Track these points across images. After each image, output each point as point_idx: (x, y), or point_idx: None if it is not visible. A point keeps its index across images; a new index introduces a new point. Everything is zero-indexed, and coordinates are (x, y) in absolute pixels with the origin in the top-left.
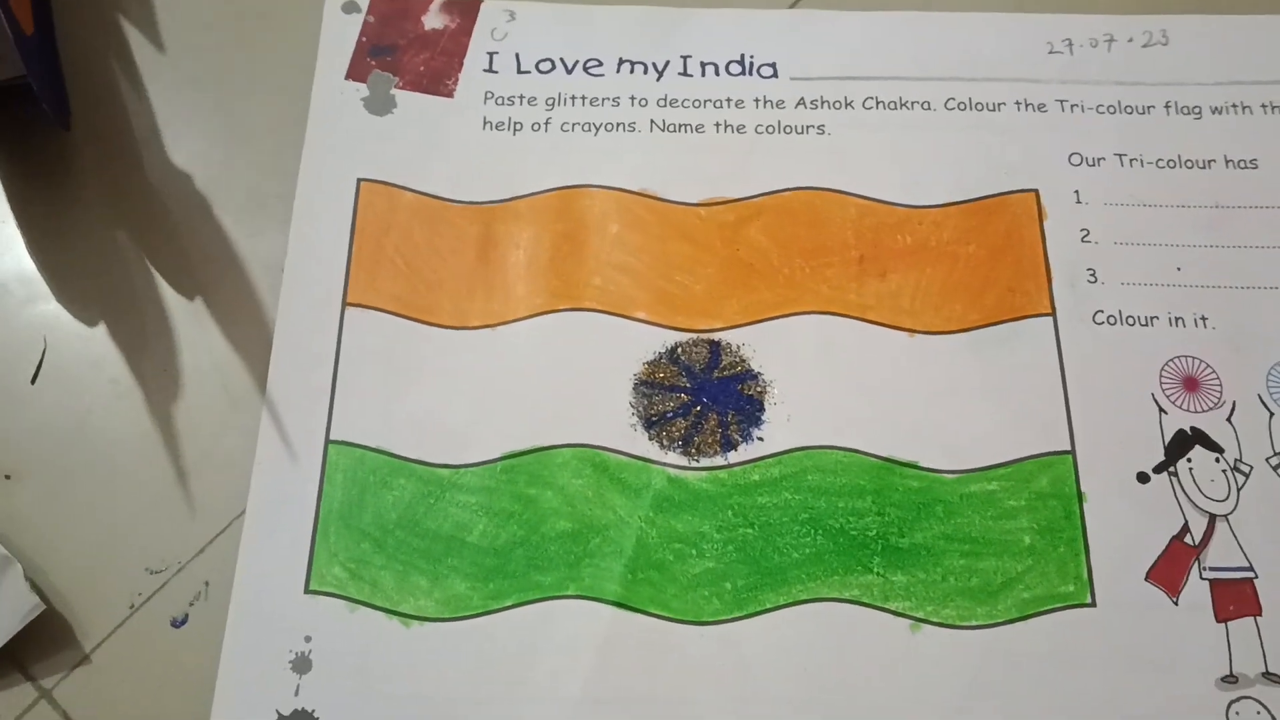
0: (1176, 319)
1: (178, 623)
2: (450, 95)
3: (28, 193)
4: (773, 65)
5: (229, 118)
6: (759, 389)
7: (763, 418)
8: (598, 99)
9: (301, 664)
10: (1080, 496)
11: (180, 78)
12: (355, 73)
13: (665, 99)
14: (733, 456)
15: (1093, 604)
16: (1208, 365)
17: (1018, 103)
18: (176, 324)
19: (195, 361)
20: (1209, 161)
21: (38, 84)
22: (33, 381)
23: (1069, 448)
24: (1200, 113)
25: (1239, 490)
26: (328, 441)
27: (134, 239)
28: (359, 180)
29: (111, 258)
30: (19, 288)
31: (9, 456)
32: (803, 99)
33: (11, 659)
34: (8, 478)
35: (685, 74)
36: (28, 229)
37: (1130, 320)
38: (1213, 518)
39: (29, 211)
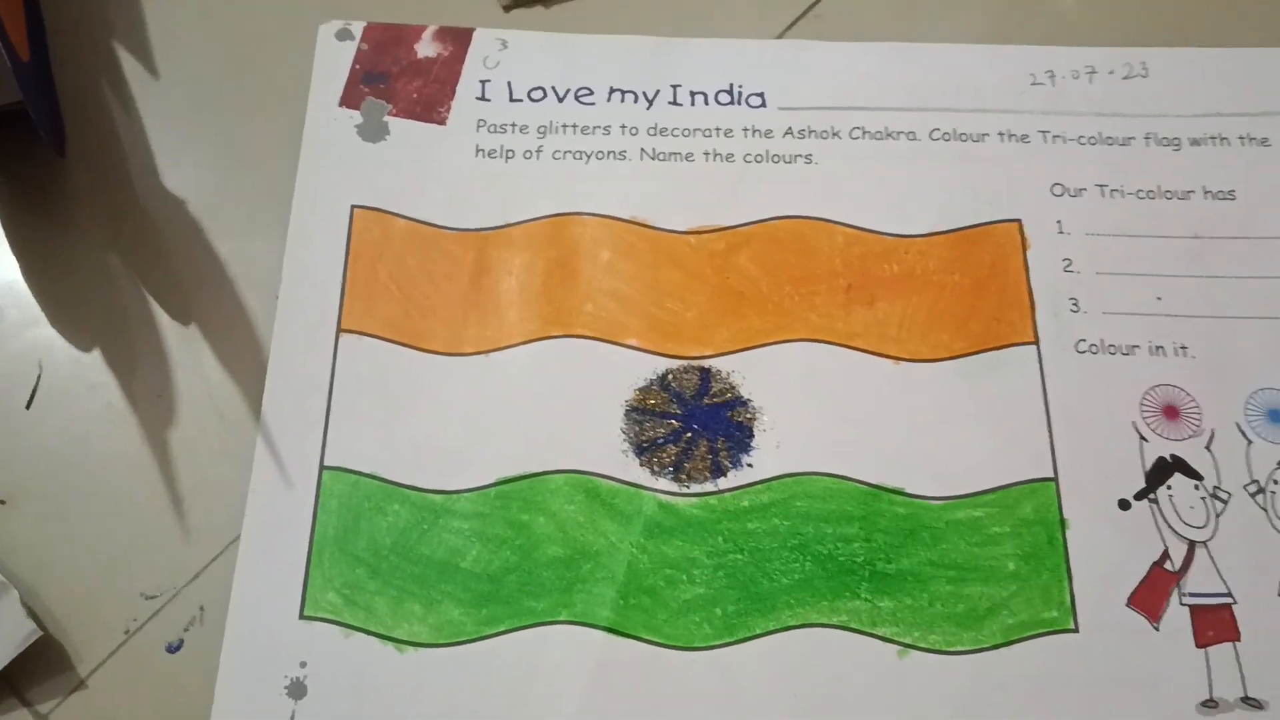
0: (1157, 348)
1: (173, 648)
2: (443, 123)
3: (23, 218)
4: (761, 95)
5: (223, 143)
6: (748, 415)
7: (752, 444)
8: (589, 127)
9: (297, 689)
10: (1063, 523)
11: (174, 104)
12: (349, 100)
13: (655, 128)
14: (723, 483)
15: (1076, 630)
16: (1187, 394)
17: (1001, 133)
18: (171, 349)
19: (190, 387)
20: (1188, 192)
21: (35, 110)
22: (28, 406)
23: (1052, 475)
24: (1179, 144)
25: (1218, 517)
26: (322, 467)
27: (128, 264)
28: (353, 207)
29: (106, 283)
30: (14, 312)
31: (4, 482)
32: (790, 128)
33: (7, 685)
34: (3, 503)
35: (675, 103)
36: (23, 254)
37: (1112, 349)
38: (1192, 544)
39: (24, 236)
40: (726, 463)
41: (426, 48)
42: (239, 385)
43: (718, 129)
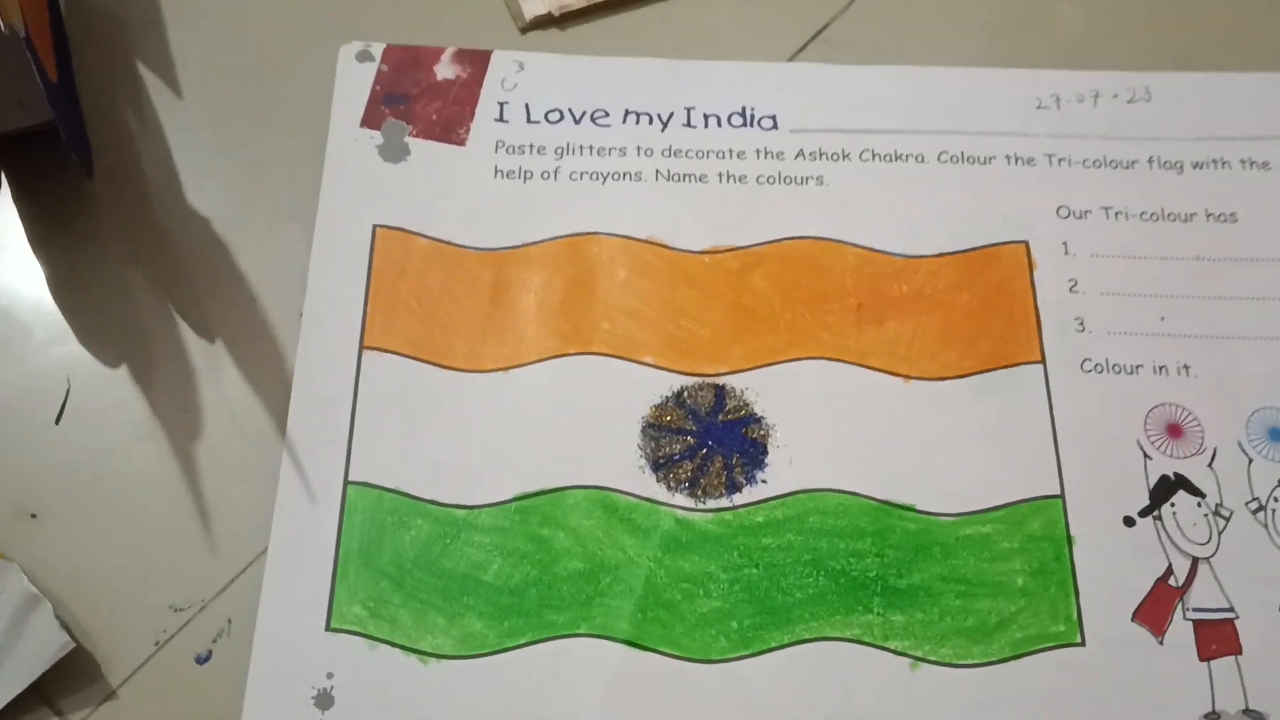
0: (1160, 367)
1: (202, 659)
2: (462, 143)
3: (50, 236)
4: (773, 117)
5: (246, 163)
6: (762, 432)
7: (766, 460)
8: (605, 149)
9: (324, 700)
10: (1070, 539)
11: (198, 124)
12: (370, 120)
13: (670, 149)
14: (738, 498)
15: (1082, 643)
16: (1190, 413)
17: (1008, 156)
18: (196, 365)
19: (215, 403)
20: (1190, 215)
21: (64, 130)
22: (57, 422)
23: (1059, 492)
24: (1182, 167)
25: (1220, 534)
26: (346, 482)
27: (154, 282)
28: (375, 226)
29: (132, 300)
30: (42, 330)
31: (35, 496)
32: (802, 150)
33: (40, 695)
34: (34, 517)
35: (689, 125)
36: (50, 272)
37: (1116, 368)
38: (1195, 560)
39: (51, 255)
40: (741, 479)
41: (445, 69)
42: (263, 401)
43: (731, 150)
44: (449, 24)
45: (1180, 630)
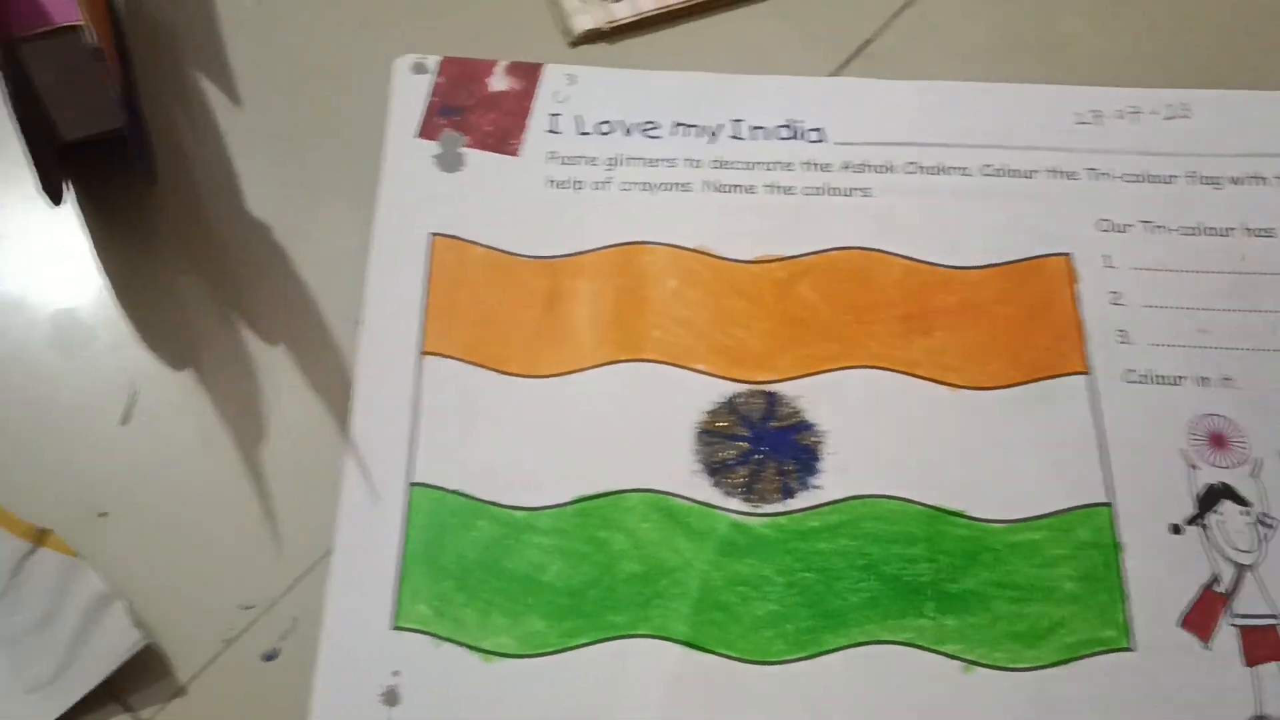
0: (1202, 379)
1: (269, 657)
2: (515, 154)
3: (114, 243)
4: (820, 130)
5: (304, 171)
6: (814, 439)
7: (818, 467)
8: (655, 160)
9: (391, 697)
10: (1118, 546)
11: (255, 132)
12: (427, 131)
13: (718, 161)
14: (792, 504)
15: (1131, 648)
16: (1233, 423)
17: (1050, 170)
18: (257, 370)
19: (276, 406)
20: (1229, 229)
21: (131, 138)
22: (124, 423)
23: (1107, 500)
24: (1220, 183)
25: (1265, 543)
26: (410, 484)
27: (216, 287)
28: (431, 234)
29: (194, 305)
30: (106, 334)
31: (104, 496)
32: (848, 163)
33: (110, 690)
34: (105, 515)
35: (737, 137)
36: (114, 278)
37: (1159, 379)
38: (1241, 568)
39: (115, 261)
40: (795, 484)
41: (498, 82)
42: (326, 404)
43: (778, 163)
44: (498, 38)
45: (1226, 636)
